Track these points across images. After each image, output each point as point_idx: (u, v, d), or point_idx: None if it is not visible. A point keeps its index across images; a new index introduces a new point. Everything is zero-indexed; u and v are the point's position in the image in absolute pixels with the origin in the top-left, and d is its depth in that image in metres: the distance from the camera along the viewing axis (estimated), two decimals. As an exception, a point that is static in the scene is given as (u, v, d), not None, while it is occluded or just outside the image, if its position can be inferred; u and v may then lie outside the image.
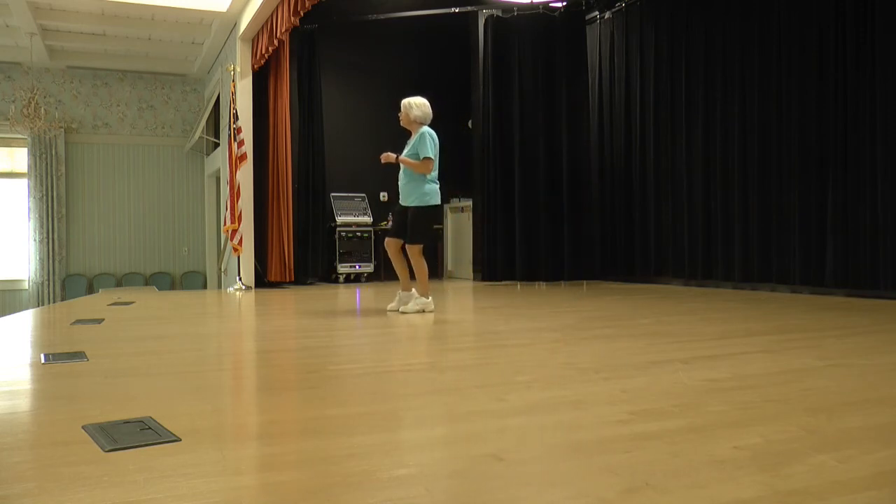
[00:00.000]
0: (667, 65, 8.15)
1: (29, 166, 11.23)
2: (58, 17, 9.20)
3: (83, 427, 1.96)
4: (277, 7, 7.63)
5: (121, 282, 11.61)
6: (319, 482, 1.55)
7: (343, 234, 9.38)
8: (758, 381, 2.62)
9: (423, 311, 5.20)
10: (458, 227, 10.19)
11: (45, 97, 11.17)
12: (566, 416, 2.13)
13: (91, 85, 11.67)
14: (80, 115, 11.60)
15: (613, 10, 8.97)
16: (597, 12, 9.25)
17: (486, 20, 9.27)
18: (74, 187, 11.54)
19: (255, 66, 8.83)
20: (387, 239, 5.46)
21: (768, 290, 6.87)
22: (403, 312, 5.20)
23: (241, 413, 2.39)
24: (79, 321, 4.94)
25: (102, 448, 1.77)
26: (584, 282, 8.82)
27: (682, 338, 3.84)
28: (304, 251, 9.00)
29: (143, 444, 1.80)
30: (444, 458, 1.77)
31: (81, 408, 2.29)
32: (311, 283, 9.14)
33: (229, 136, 8.63)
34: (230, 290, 8.63)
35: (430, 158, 5.13)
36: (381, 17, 9.28)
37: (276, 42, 7.91)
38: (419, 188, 5.20)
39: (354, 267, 9.43)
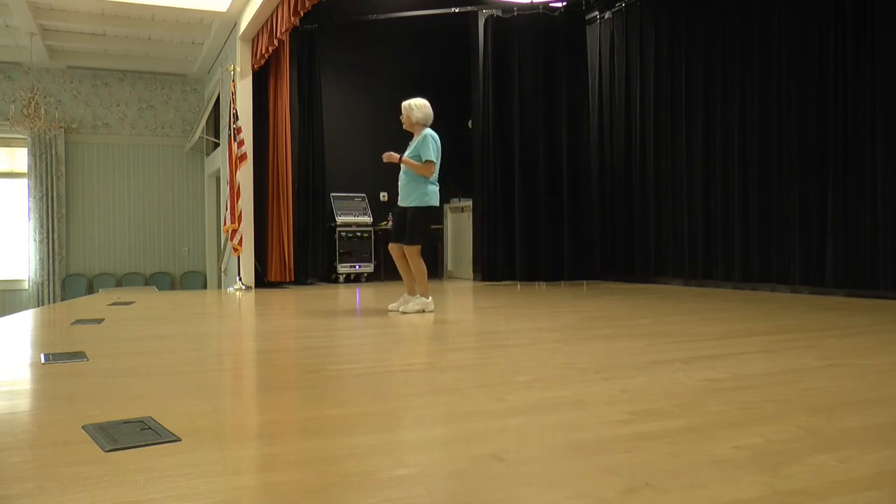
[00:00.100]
0: (667, 65, 8.15)
1: (29, 166, 11.23)
2: (58, 17, 9.20)
3: (83, 427, 1.96)
4: (277, 7, 7.63)
5: (121, 282, 11.60)
6: (319, 482, 1.55)
7: (343, 234, 9.38)
8: (758, 381, 2.62)
9: (423, 311, 5.21)
10: (458, 227, 10.18)
11: (45, 97, 11.16)
12: (566, 416, 2.13)
13: (91, 85, 11.66)
14: (80, 115, 11.59)
15: (613, 10, 8.97)
16: (597, 12, 9.25)
17: (486, 20, 9.27)
18: (74, 187, 11.53)
19: (255, 66, 8.83)
20: (390, 244, 5.47)
21: (768, 290, 6.87)
22: (404, 312, 5.21)
23: (241, 413, 2.39)
24: (79, 321, 4.95)
25: (102, 448, 1.77)
26: (584, 282, 8.82)
27: (682, 338, 3.84)
28: (304, 251, 9.00)
29: (143, 444, 1.80)
30: (444, 458, 1.76)
31: (81, 408, 2.29)
32: (311, 283, 9.14)
33: (229, 136, 8.63)
34: (230, 290, 8.63)
35: (431, 161, 5.14)
36: (381, 17, 9.28)
37: (276, 42, 7.91)
38: (419, 189, 5.21)
39: (354, 267, 9.43)
